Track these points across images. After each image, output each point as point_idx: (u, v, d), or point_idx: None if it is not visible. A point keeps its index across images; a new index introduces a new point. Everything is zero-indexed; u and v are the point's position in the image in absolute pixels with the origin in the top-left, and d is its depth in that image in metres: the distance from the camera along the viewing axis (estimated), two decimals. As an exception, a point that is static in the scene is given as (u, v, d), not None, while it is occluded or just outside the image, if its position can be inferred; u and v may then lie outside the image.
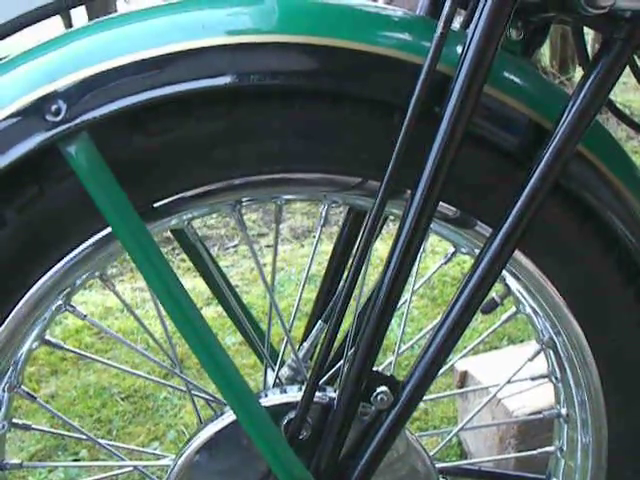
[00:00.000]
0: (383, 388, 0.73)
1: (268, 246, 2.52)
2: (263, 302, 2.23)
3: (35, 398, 0.82)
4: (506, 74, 0.72)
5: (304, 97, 0.67)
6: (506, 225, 0.70)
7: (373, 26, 0.69)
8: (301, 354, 0.92)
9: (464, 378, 1.49)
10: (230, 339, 2.01)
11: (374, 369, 0.73)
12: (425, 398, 0.76)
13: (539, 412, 0.94)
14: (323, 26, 0.67)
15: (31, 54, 0.68)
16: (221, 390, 0.71)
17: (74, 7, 0.72)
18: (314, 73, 0.66)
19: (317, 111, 0.68)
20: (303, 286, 0.84)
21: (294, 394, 0.79)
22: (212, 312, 2.14)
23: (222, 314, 2.07)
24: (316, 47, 0.66)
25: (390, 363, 0.87)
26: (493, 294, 0.85)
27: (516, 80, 0.72)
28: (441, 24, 0.65)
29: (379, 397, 0.73)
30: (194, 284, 2.25)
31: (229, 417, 0.77)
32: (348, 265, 0.94)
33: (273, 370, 0.86)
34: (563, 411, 0.90)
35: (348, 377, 0.72)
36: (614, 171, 0.76)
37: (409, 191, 0.70)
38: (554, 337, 0.84)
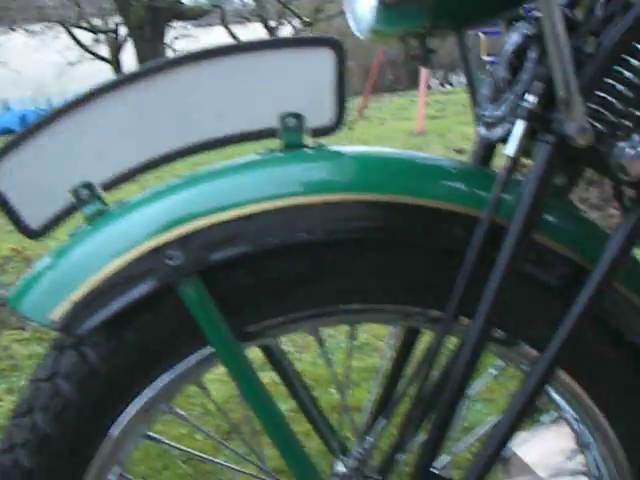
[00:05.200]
0: None
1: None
2: (314, 369, 2.35)
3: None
4: (552, 220, 0.83)
5: (375, 245, 0.80)
6: (550, 350, 0.81)
7: (432, 180, 0.82)
8: (365, 447, 1.02)
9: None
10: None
11: (431, 469, 0.85)
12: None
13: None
14: (390, 184, 0.80)
15: (148, 202, 0.81)
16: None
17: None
18: (380, 227, 0.80)
19: (387, 256, 0.81)
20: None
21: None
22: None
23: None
24: (384, 204, 0.79)
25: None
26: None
27: (560, 225, 0.84)
28: (498, 185, 0.77)
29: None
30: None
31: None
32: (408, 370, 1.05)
33: (340, 461, 0.98)
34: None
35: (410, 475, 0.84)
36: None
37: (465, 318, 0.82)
38: (591, 440, 0.94)
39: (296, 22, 22.03)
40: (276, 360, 0.98)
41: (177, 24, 16.52)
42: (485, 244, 0.78)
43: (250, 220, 0.78)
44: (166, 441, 0.94)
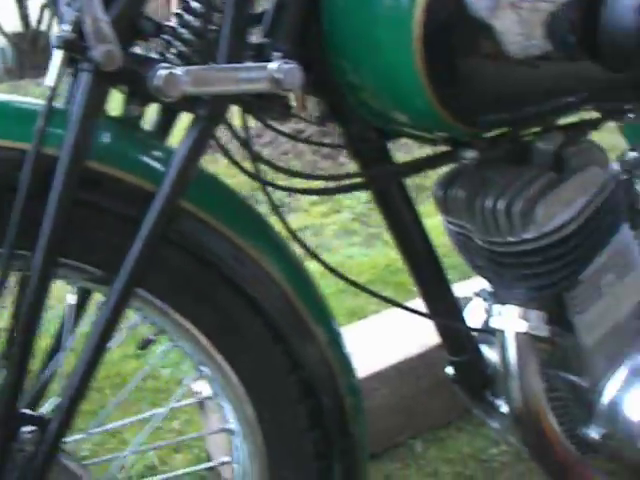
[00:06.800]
0: (30, 427, 0.84)
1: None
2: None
3: None
4: (114, 148, 0.84)
5: None
6: (122, 274, 0.82)
7: None
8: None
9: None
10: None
11: (22, 411, 0.84)
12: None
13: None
14: None
15: None
16: None
17: None
18: None
19: None
20: None
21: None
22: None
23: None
24: None
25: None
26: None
27: (123, 152, 0.85)
28: (41, 117, 0.77)
29: (26, 436, 0.83)
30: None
31: None
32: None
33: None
34: (230, 426, 1.03)
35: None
36: (226, 223, 0.90)
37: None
38: (204, 365, 0.97)
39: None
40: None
41: None
42: (38, 177, 0.78)
43: None
44: None
